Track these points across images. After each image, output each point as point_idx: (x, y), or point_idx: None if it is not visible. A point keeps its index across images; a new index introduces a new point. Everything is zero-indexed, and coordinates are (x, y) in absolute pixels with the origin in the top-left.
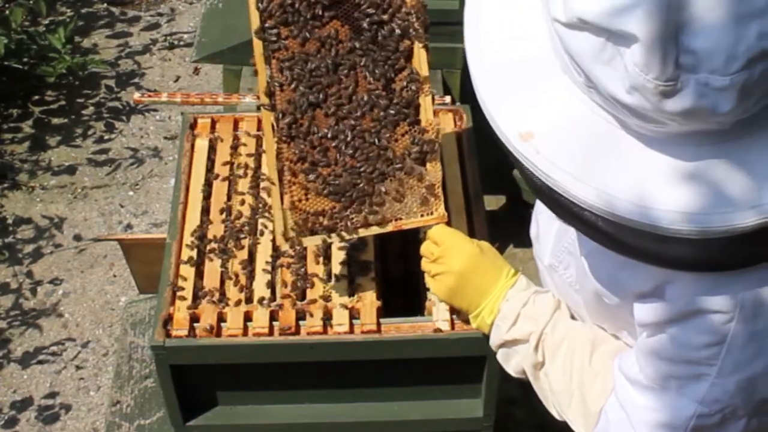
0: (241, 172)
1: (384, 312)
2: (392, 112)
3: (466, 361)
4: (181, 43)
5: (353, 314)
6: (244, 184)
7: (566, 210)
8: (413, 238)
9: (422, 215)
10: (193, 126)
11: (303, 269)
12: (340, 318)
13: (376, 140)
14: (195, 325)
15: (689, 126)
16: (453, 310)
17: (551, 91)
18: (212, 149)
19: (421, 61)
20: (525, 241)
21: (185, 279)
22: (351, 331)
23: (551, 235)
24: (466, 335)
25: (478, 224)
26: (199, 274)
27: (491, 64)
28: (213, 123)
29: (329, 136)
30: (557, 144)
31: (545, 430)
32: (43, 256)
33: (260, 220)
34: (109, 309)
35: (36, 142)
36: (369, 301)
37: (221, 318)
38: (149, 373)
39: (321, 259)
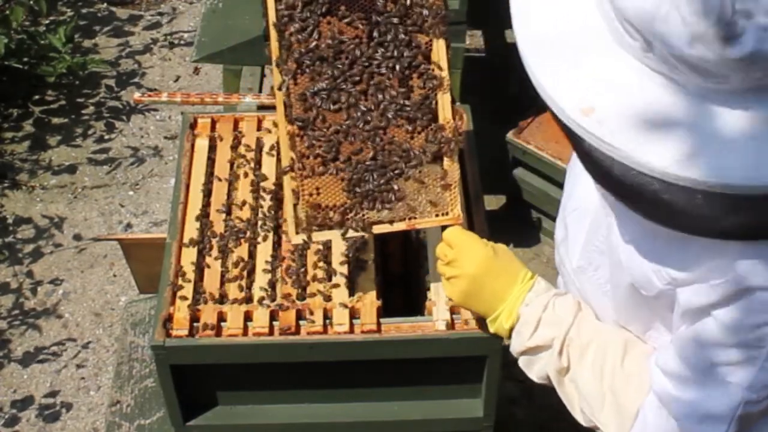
0: (241, 171)
1: (384, 312)
2: (408, 109)
3: (466, 361)
4: (182, 42)
5: (353, 314)
6: (244, 184)
7: (627, 185)
8: (413, 238)
9: (436, 215)
10: (193, 126)
11: (303, 269)
12: (340, 318)
13: (392, 137)
14: (195, 324)
15: (751, 77)
16: (453, 310)
17: (607, 63)
18: (212, 149)
19: (440, 56)
20: (525, 241)
21: (185, 279)
22: (351, 331)
23: (581, 235)
24: (466, 335)
25: (478, 224)
26: (199, 274)
27: (542, 42)
28: (213, 123)
29: (342, 131)
30: (619, 115)
31: (545, 430)
32: (43, 255)
33: (260, 220)
34: (109, 309)
35: (36, 142)
36: (369, 301)
37: (221, 318)
38: (149, 373)
39: (321, 259)
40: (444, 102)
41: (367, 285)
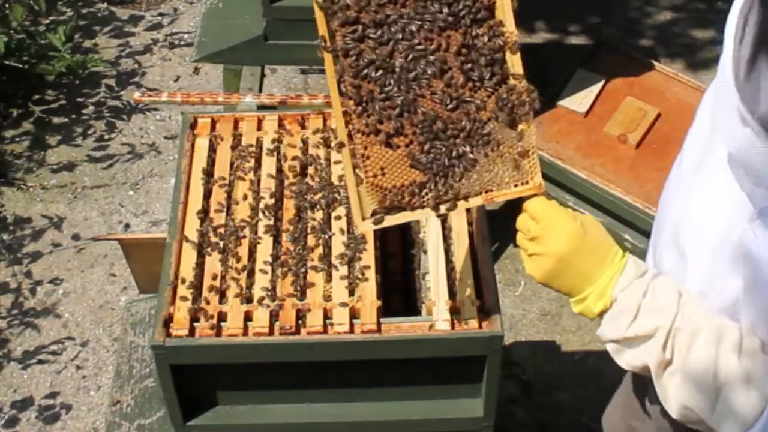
0: (241, 171)
1: (384, 312)
2: (474, 70)
3: (466, 361)
4: (182, 42)
5: (353, 314)
6: (244, 184)
7: None
8: (413, 238)
9: (516, 185)
10: (193, 125)
11: (303, 269)
12: (340, 318)
13: (458, 104)
14: (195, 324)
15: None
16: (453, 310)
17: None
18: (212, 149)
19: (505, 10)
20: None
21: (185, 279)
22: (351, 331)
23: (704, 259)
24: (466, 335)
25: (477, 224)
26: (200, 274)
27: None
28: (213, 123)
29: (403, 102)
30: None
31: (545, 429)
32: (43, 255)
33: (260, 220)
34: (109, 309)
35: (36, 142)
36: (369, 300)
37: (221, 318)
38: (149, 373)
39: (321, 259)
40: (514, 60)
41: (367, 285)
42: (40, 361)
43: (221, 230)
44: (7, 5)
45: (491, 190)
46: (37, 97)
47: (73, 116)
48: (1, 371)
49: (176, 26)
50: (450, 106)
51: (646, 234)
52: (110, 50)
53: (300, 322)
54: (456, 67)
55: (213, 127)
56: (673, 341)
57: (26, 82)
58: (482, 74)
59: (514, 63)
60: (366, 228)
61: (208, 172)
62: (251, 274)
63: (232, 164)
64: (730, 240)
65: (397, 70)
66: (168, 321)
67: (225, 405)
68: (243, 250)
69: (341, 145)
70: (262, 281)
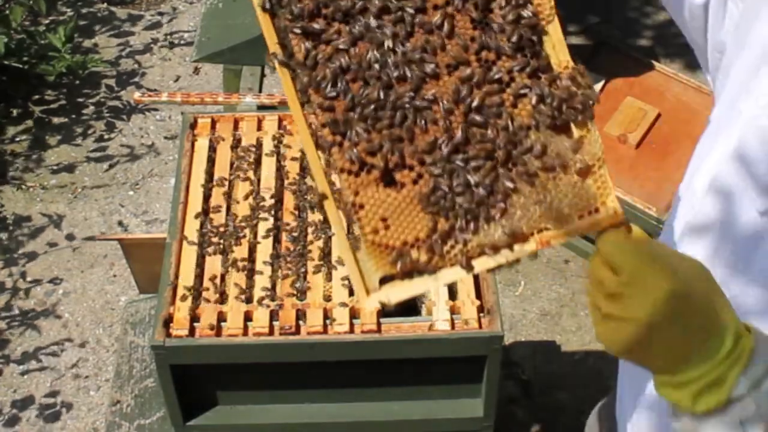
0: (241, 171)
1: (384, 312)
2: (498, 57)
3: (466, 361)
4: (182, 42)
5: (353, 314)
6: (244, 184)
7: None
8: None
9: (580, 216)
10: (193, 126)
11: (303, 269)
12: (340, 318)
13: (481, 111)
14: (195, 324)
15: None
16: (453, 310)
17: None
18: (212, 149)
19: None
20: None
21: (185, 279)
22: (351, 330)
23: None
24: (466, 335)
25: None
26: (200, 274)
27: None
28: (213, 123)
29: (398, 118)
30: None
31: (545, 429)
32: (42, 255)
33: (260, 220)
34: (109, 309)
35: (36, 142)
36: None
37: (221, 318)
38: (149, 373)
39: (321, 259)
40: (554, 38)
41: None
42: (40, 361)
43: (221, 230)
44: (7, 6)
45: (545, 229)
46: (37, 97)
47: (73, 116)
48: (1, 371)
49: (176, 26)
50: (474, 119)
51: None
52: (110, 50)
53: (300, 322)
54: (471, 57)
55: (213, 127)
56: None
57: (26, 83)
58: (511, 65)
59: (556, 44)
60: (374, 305)
61: (208, 172)
62: (251, 274)
63: (232, 164)
64: None
65: (384, 74)
66: (168, 321)
67: (225, 405)
68: (243, 250)
69: (322, 198)
70: (262, 281)
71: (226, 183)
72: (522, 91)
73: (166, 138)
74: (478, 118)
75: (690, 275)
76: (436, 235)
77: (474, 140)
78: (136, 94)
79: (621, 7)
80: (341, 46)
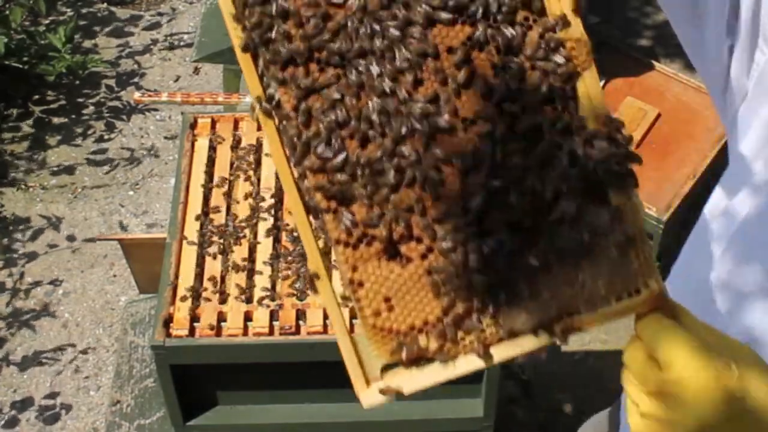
0: (241, 171)
1: None
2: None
3: None
4: (182, 43)
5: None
6: (244, 184)
7: None
8: None
9: (618, 298)
10: (193, 126)
11: (303, 269)
12: None
13: (503, 173)
14: (195, 324)
15: None
16: None
17: None
18: (212, 149)
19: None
20: None
21: (185, 279)
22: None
23: None
24: None
25: None
26: (200, 274)
27: None
28: (213, 123)
29: (407, 181)
30: None
31: (546, 430)
32: (42, 255)
33: (260, 220)
34: (109, 309)
35: (36, 142)
36: None
37: (221, 318)
38: (149, 373)
39: None
40: (591, 91)
41: None
42: (40, 362)
43: (221, 230)
44: (6, 6)
45: (576, 313)
46: (37, 97)
47: (73, 116)
48: (0, 372)
49: (176, 26)
50: (494, 184)
51: (647, 235)
52: (110, 50)
53: (300, 322)
54: (492, 109)
55: (213, 127)
56: None
57: (26, 83)
58: (535, 119)
59: (590, 86)
60: (374, 401)
61: (208, 173)
62: (251, 274)
63: (232, 164)
64: None
65: (388, 129)
66: (168, 321)
67: (225, 405)
68: (243, 250)
69: (314, 278)
70: (262, 281)
71: (226, 183)
72: (551, 152)
73: (166, 138)
74: (498, 182)
75: (746, 371)
76: (449, 319)
77: (494, 208)
78: (136, 95)
79: (621, 7)
80: (336, 96)
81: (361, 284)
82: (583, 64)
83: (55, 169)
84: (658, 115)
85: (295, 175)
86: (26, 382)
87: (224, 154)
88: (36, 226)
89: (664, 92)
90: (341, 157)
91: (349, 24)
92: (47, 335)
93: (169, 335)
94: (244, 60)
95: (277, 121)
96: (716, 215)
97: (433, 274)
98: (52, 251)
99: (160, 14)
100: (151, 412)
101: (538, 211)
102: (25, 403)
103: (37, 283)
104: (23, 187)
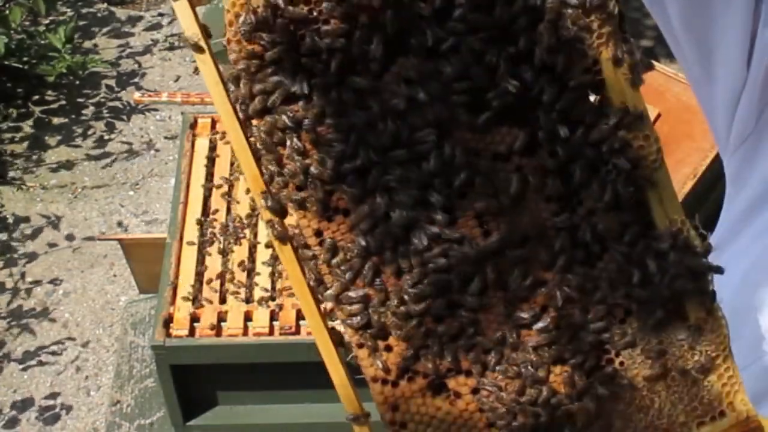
0: (241, 171)
1: None
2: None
3: None
4: (182, 43)
5: None
6: (244, 184)
7: None
8: None
9: (701, 424)
10: (193, 126)
11: None
12: None
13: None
14: (195, 324)
15: None
16: None
17: None
18: (212, 149)
19: (624, 89)
20: None
21: (185, 279)
22: None
23: None
24: None
25: None
26: (200, 274)
27: None
28: (213, 123)
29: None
30: None
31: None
32: (43, 255)
33: (260, 220)
34: (109, 309)
35: (36, 142)
36: None
37: (221, 318)
38: (149, 373)
39: None
40: (663, 193)
41: None
42: (40, 362)
43: (221, 230)
44: (6, 6)
45: None
46: (37, 97)
47: (73, 116)
48: (1, 372)
49: (176, 26)
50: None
51: None
52: (110, 51)
53: (300, 322)
54: (548, 223)
55: (213, 127)
56: None
57: (26, 83)
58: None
59: (663, 195)
60: None
61: (208, 172)
62: (251, 274)
63: (232, 164)
64: None
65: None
66: (168, 321)
67: (225, 405)
68: (243, 251)
69: (355, 421)
70: (262, 281)
71: (226, 183)
72: (619, 270)
73: (166, 138)
74: (570, 306)
75: None
76: None
77: (556, 335)
78: (136, 95)
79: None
80: (364, 228)
81: (403, 425)
82: (653, 164)
83: (55, 168)
84: (658, 115)
85: (321, 305)
86: (26, 382)
87: (224, 154)
88: (36, 226)
89: (664, 92)
90: (378, 289)
91: None
92: (47, 335)
93: (169, 335)
94: (226, 112)
95: (294, 248)
96: None
97: (489, 411)
98: (52, 251)
99: (161, 14)
100: (151, 412)
101: (604, 335)
102: (25, 403)
103: (37, 283)
104: (23, 186)
